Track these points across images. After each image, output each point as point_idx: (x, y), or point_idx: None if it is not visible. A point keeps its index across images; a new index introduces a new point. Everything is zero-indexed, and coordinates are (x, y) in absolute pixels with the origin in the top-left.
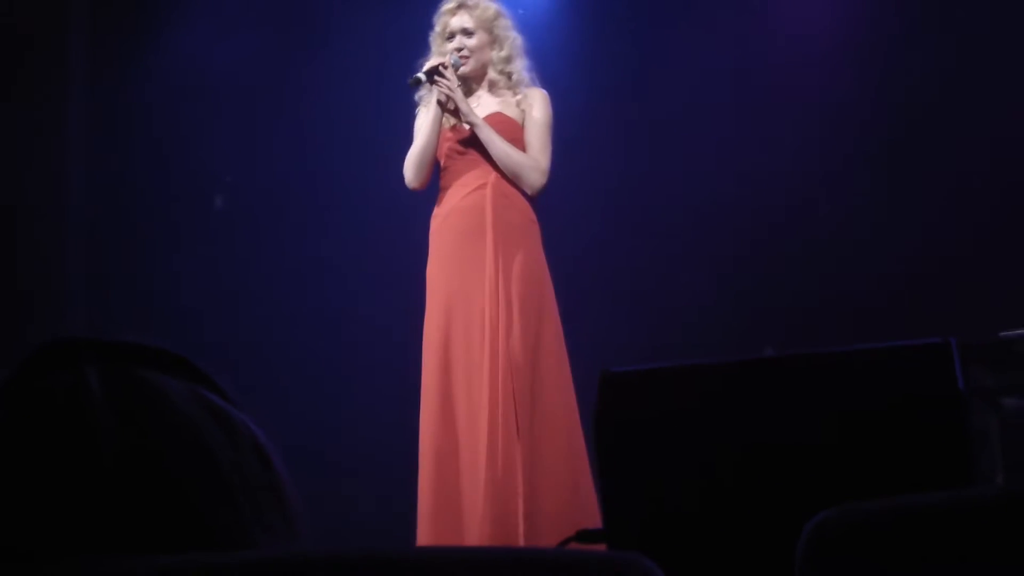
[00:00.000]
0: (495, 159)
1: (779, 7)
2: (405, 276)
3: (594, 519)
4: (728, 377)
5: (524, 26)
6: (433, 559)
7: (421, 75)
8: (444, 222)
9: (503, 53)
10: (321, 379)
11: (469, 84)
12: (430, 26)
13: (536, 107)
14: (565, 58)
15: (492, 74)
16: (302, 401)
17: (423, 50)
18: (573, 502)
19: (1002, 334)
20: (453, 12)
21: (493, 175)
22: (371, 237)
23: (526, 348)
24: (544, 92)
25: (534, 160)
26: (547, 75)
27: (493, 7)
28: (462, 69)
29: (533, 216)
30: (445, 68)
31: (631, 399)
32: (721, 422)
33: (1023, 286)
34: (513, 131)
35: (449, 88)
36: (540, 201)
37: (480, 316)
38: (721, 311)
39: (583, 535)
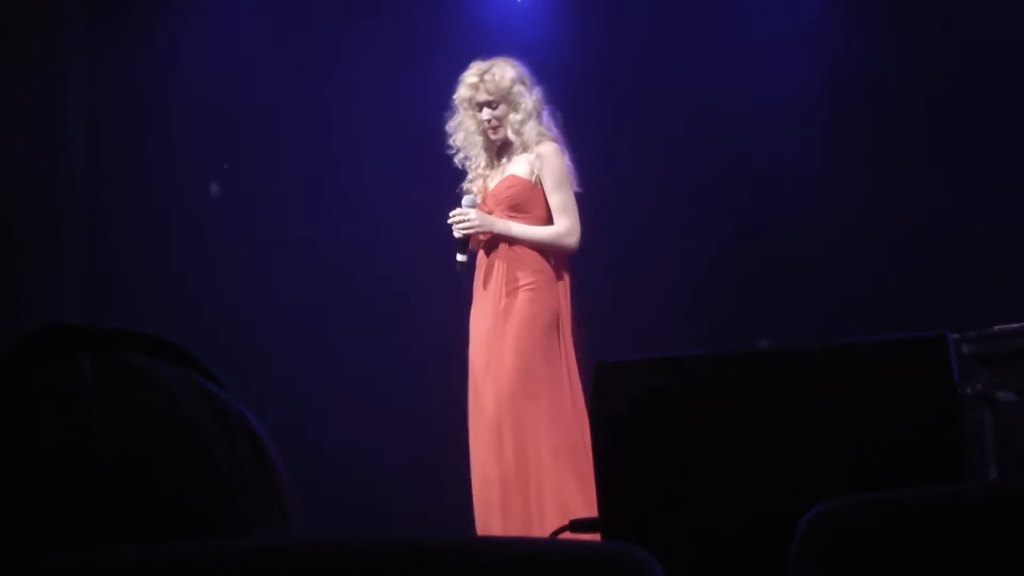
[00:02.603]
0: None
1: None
2: (401, 263)
3: None
4: (723, 368)
5: (520, 19)
6: (424, 548)
7: (462, 257)
8: (476, 274)
9: (519, 116)
10: (318, 366)
11: (498, 150)
12: (428, 20)
13: (548, 165)
14: (563, 52)
15: (511, 136)
16: (296, 387)
17: (422, 43)
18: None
19: (996, 327)
20: (476, 86)
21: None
22: (369, 225)
23: (515, 388)
24: (554, 146)
25: (557, 228)
26: (543, 68)
27: (508, 75)
28: (494, 137)
29: (544, 265)
30: (469, 219)
31: (626, 390)
32: (715, 413)
33: (1017, 280)
34: (523, 190)
35: (480, 227)
36: None
37: (484, 362)
38: (716, 304)
39: (577, 525)
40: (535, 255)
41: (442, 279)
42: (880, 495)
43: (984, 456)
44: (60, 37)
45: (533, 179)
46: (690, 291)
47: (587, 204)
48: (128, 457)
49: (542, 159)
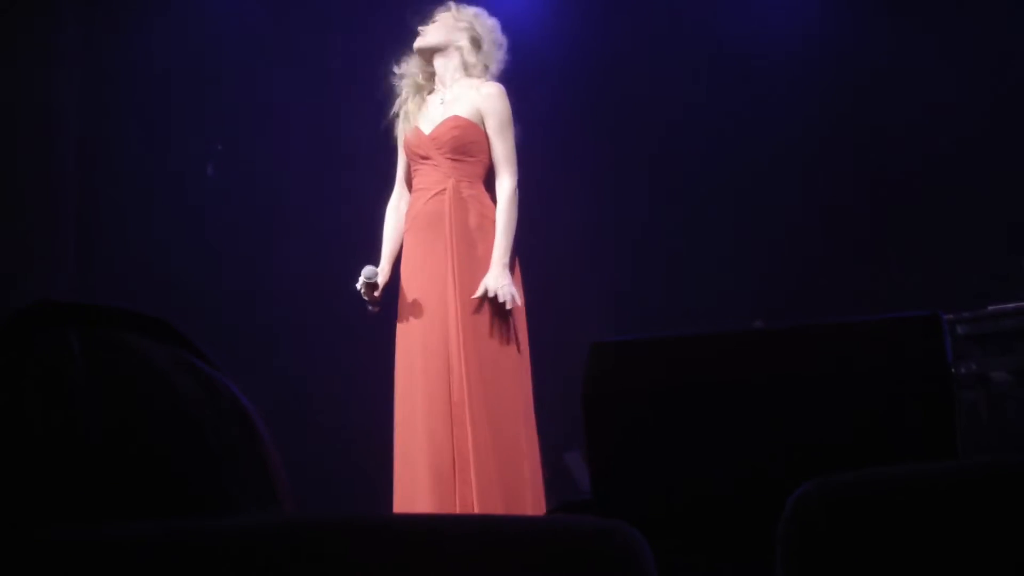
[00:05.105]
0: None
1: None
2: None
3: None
4: (716, 348)
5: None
6: (418, 527)
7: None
8: (412, 224)
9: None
10: (313, 346)
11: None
12: None
13: (496, 107)
14: (561, 40)
15: (469, 58)
16: (292, 367)
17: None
18: (526, 495)
19: (990, 307)
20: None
21: (452, 180)
22: (363, 206)
23: (480, 348)
24: (500, 87)
25: (508, 193)
26: (543, 64)
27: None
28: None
29: (494, 217)
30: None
31: (619, 370)
32: (708, 393)
33: (1011, 261)
34: (468, 131)
35: (499, 288)
36: (542, 182)
37: (440, 319)
38: (711, 285)
39: (569, 506)
40: (490, 205)
41: None
42: (868, 472)
43: (977, 435)
44: (54, 18)
45: (479, 120)
46: (685, 272)
47: (586, 187)
48: (114, 433)
49: (492, 98)
